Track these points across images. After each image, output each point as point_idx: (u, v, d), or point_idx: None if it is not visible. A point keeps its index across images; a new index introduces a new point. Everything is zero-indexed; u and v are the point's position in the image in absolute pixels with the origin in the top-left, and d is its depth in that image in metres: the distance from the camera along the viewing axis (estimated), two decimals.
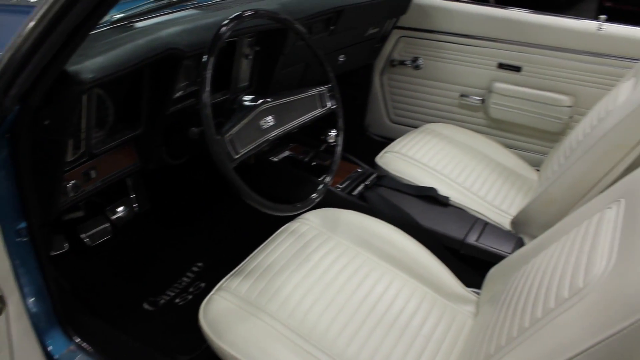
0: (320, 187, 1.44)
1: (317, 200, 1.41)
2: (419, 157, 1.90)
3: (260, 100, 1.32)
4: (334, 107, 1.52)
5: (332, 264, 1.37)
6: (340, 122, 1.53)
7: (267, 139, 1.32)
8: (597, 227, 0.99)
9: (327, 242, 1.43)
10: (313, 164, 1.86)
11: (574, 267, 0.93)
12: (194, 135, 1.25)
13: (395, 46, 2.38)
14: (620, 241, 0.87)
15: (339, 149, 1.51)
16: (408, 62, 2.37)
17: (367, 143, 2.55)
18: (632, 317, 0.71)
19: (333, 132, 1.52)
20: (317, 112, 1.48)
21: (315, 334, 1.20)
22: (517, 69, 2.19)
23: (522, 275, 1.15)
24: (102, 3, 0.89)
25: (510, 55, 2.19)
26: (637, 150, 1.43)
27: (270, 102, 1.33)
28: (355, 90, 2.52)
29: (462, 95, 2.33)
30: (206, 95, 1.14)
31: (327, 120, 1.54)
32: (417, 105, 2.45)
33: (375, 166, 1.93)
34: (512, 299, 1.09)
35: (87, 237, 1.75)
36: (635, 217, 0.89)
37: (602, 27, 2.02)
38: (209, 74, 1.16)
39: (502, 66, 2.21)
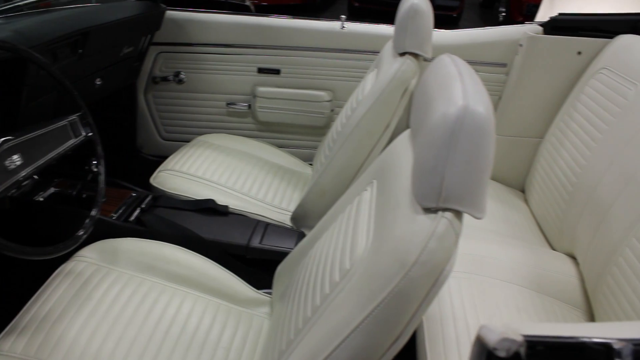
0: (87, 221, 1.35)
1: (85, 236, 1.33)
2: (194, 171, 1.89)
3: (1, 140, 1.19)
4: (90, 134, 1.44)
5: (116, 297, 1.30)
6: (99, 149, 1.45)
7: (17, 180, 1.20)
8: (357, 209, 1.06)
9: (108, 275, 1.36)
10: (83, 196, 1.74)
11: (341, 251, 0.99)
12: None
13: (155, 63, 2.34)
14: (375, 219, 0.95)
15: (101, 177, 1.44)
16: (171, 78, 2.34)
17: (144, 165, 2.47)
18: (388, 287, 0.78)
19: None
20: (71, 142, 1.39)
21: None
22: (276, 71, 2.28)
23: (303, 267, 1.20)
24: None
25: (269, 59, 2.27)
26: (387, 133, 1.58)
27: (14, 140, 1.21)
28: (121, 113, 2.42)
29: (229, 104, 2.36)
30: None
31: (91, 149, 1.46)
32: (188, 119, 2.43)
33: (150, 188, 1.87)
34: (296, 292, 1.13)
35: None
36: (384, 194, 0.97)
37: (344, 26, 2.18)
38: None
39: (262, 70, 2.29)
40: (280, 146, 2.31)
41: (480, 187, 0.76)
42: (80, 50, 1.74)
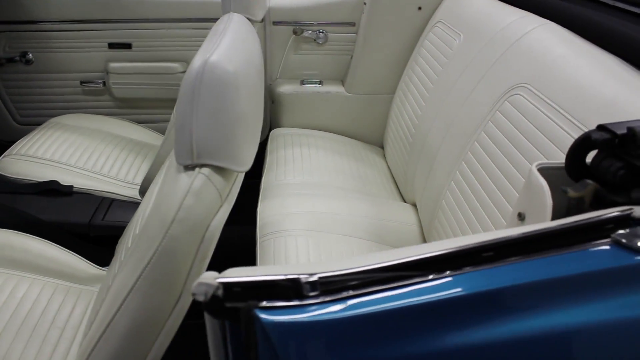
0: None
1: None
2: (41, 154, 1.82)
3: None
4: None
5: None
6: None
7: None
8: (162, 175, 1.07)
9: None
10: None
11: (138, 218, 1.00)
12: None
13: None
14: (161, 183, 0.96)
15: None
16: (17, 58, 2.23)
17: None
18: (153, 247, 0.79)
19: None
20: None
21: None
22: (127, 46, 2.22)
23: (124, 237, 1.19)
24: None
25: (119, 34, 2.21)
26: None
27: None
28: None
29: (83, 82, 2.28)
30: None
31: None
32: (43, 101, 2.34)
33: None
34: (118, 264, 1.13)
35: None
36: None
37: None
38: None
39: (112, 46, 2.22)
40: (139, 122, 2.26)
41: (232, 140, 0.78)
42: None
